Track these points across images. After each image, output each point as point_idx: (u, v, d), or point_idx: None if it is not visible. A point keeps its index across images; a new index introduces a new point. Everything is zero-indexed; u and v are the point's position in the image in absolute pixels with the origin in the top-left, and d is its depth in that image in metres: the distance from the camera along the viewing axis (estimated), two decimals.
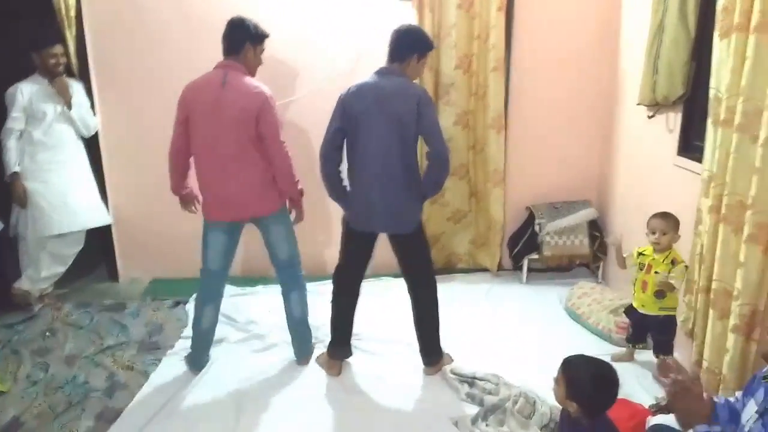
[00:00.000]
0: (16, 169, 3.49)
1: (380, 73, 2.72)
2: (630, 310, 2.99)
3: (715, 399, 1.87)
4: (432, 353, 2.96)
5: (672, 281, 2.72)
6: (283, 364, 3.06)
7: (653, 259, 2.80)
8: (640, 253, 2.88)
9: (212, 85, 2.72)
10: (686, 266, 2.72)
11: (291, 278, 3.00)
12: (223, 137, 2.72)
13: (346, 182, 2.87)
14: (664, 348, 2.86)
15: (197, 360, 3.02)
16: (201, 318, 2.97)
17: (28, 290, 3.67)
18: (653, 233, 2.77)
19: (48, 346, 3.29)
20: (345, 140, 2.76)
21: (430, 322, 2.94)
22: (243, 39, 2.77)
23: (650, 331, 2.93)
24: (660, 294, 2.78)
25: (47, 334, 3.42)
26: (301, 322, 3.05)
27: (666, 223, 2.75)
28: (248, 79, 2.77)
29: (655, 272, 2.78)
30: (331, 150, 2.76)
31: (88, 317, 3.63)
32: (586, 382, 1.91)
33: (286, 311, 3.04)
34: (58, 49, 3.56)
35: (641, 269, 2.86)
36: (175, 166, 2.90)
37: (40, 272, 3.67)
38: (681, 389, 1.79)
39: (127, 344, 3.30)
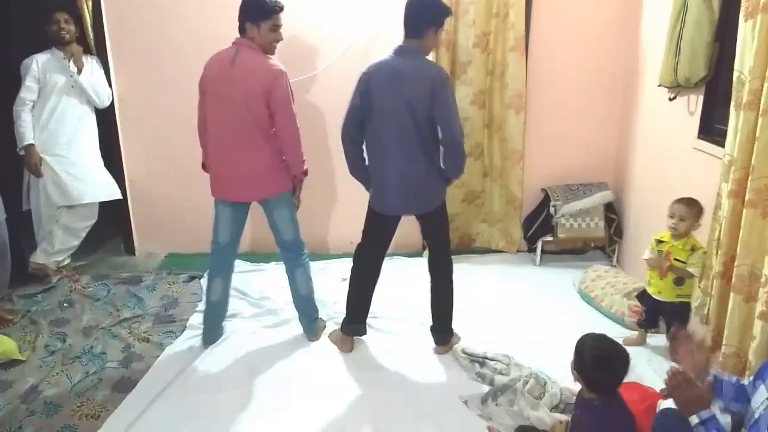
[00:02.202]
0: (31, 141, 3.52)
1: (398, 51, 2.66)
2: (643, 296, 2.97)
3: (724, 377, 1.88)
4: (442, 332, 2.97)
5: (690, 269, 2.70)
6: (295, 340, 3.09)
7: (672, 245, 2.76)
8: (659, 241, 2.84)
9: (223, 63, 2.70)
10: (705, 252, 2.69)
11: (295, 258, 3.02)
12: (230, 117, 2.71)
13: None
14: None
15: (208, 333, 3.05)
16: (210, 290, 3.01)
17: (44, 263, 3.74)
18: (671, 217, 2.74)
19: (66, 316, 3.35)
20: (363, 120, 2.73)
21: (443, 301, 2.95)
22: (242, 18, 2.71)
23: (664, 316, 2.92)
24: (679, 281, 2.76)
25: (65, 305, 3.48)
26: (307, 299, 3.08)
27: (688, 209, 2.70)
28: (259, 57, 2.70)
29: (675, 259, 2.74)
30: (350, 127, 2.75)
31: (105, 289, 3.68)
32: (588, 359, 1.94)
33: (291, 289, 3.06)
34: (60, 15, 3.58)
35: (660, 256, 2.81)
36: (202, 143, 2.94)
37: (54, 245, 3.73)
38: (680, 380, 1.79)
39: (143, 317, 3.35)
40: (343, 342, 3.01)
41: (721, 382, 1.86)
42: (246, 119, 2.70)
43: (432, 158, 2.71)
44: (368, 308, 3.03)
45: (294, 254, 3.02)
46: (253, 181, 2.83)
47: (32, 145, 3.53)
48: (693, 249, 2.72)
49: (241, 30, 2.73)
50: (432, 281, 2.94)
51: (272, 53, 2.79)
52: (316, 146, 3.94)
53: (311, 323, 3.10)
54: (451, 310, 2.97)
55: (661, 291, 2.83)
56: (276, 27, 2.74)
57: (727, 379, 1.88)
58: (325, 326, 3.19)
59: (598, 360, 1.93)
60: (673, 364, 2.69)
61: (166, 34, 3.85)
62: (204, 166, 3.02)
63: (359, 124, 2.74)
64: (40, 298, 3.55)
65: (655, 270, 2.83)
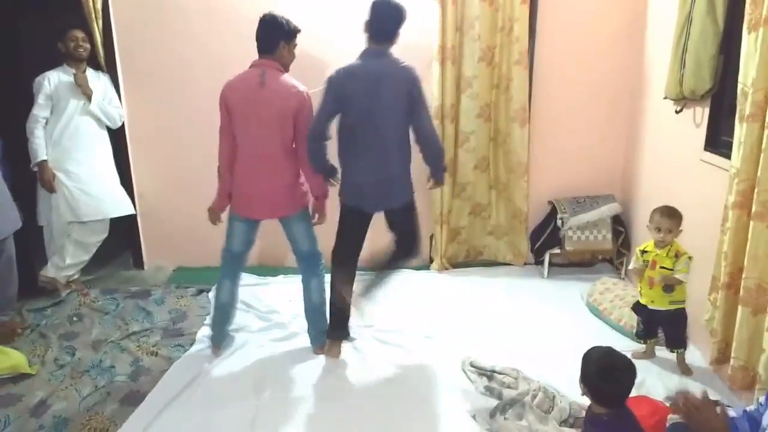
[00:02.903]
0: (44, 157, 3.57)
1: (371, 54, 2.75)
2: (637, 307, 2.97)
3: (732, 413, 1.84)
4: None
5: (678, 275, 2.71)
6: (302, 353, 3.08)
7: (657, 254, 2.78)
8: (642, 251, 2.86)
9: (251, 85, 2.75)
10: (690, 257, 2.71)
11: (311, 268, 3.06)
12: (260, 138, 2.79)
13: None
14: (676, 342, 2.85)
15: (216, 337, 3.09)
16: (220, 292, 3.07)
17: (54, 277, 3.77)
18: (658, 230, 2.75)
19: (75, 330, 3.37)
20: (332, 121, 2.81)
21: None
22: (277, 38, 2.78)
23: (661, 325, 2.92)
24: (668, 288, 2.77)
25: (74, 319, 3.50)
26: (318, 309, 3.09)
27: (672, 221, 2.73)
28: (286, 79, 2.80)
29: (661, 267, 2.76)
30: (321, 129, 2.79)
31: (114, 303, 3.71)
32: (593, 371, 1.93)
33: (304, 298, 3.09)
34: (78, 33, 3.65)
35: (646, 266, 2.84)
36: (225, 177, 2.91)
37: (65, 260, 3.76)
38: (694, 410, 1.77)
39: (151, 330, 3.37)
40: (330, 347, 3.05)
41: (734, 424, 1.81)
42: (274, 139, 2.78)
43: (406, 155, 2.84)
44: (349, 311, 3.07)
45: (310, 264, 3.06)
46: (276, 199, 2.90)
47: (45, 161, 3.58)
48: (677, 255, 2.74)
49: (272, 48, 2.78)
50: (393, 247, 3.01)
51: (288, 71, 2.88)
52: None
53: (320, 335, 3.11)
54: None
55: (654, 300, 2.83)
56: (295, 46, 2.88)
57: (739, 418, 1.83)
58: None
59: (603, 371, 1.93)
60: (684, 379, 2.71)
61: (176, 52, 3.90)
62: (219, 206, 2.99)
63: (328, 125, 2.81)
64: (49, 312, 3.58)
65: (644, 280, 2.85)
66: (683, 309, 2.81)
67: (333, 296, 3.04)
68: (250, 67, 2.81)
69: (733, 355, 2.42)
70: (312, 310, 3.09)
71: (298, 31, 2.85)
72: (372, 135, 2.74)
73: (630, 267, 2.92)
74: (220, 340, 3.09)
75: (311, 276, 3.06)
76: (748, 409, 1.83)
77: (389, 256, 3.03)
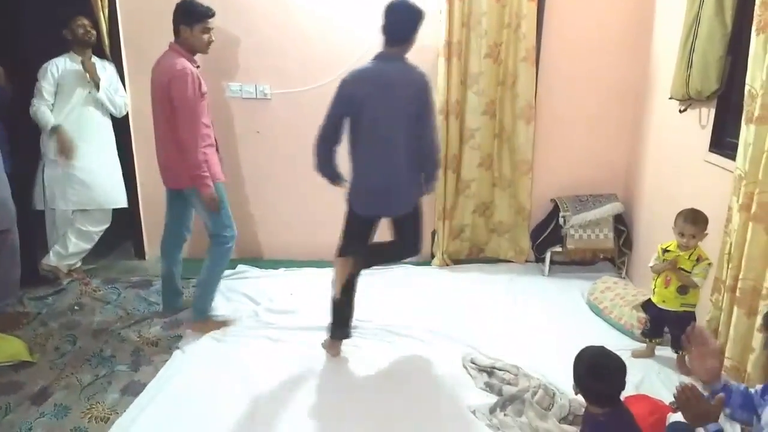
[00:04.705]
0: (54, 123, 3.56)
1: (383, 58, 2.70)
2: (648, 305, 2.97)
3: (733, 384, 1.87)
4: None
5: (695, 279, 2.70)
6: (302, 347, 3.08)
7: (678, 255, 2.76)
8: (665, 250, 2.84)
9: (153, 68, 2.99)
10: (710, 263, 2.69)
11: (212, 246, 3.21)
12: (154, 115, 3.02)
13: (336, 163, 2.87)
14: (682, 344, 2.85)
15: (166, 303, 3.46)
16: (161, 266, 3.41)
17: (56, 266, 3.77)
18: (681, 235, 2.72)
19: (76, 319, 3.38)
20: (344, 125, 2.76)
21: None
22: (177, 22, 2.97)
23: (668, 326, 2.92)
24: (683, 290, 2.77)
25: (75, 308, 3.51)
26: (202, 286, 3.25)
27: (696, 227, 2.69)
28: (172, 58, 2.93)
29: (680, 268, 2.75)
30: (330, 132, 2.75)
31: (115, 293, 3.71)
32: (583, 371, 1.93)
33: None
34: (83, 20, 3.64)
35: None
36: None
37: (68, 248, 3.77)
38: (689, 396, 1.79)
39: (152, 320, 3.37)
40: (331, 345, 3.02)
41: (729, 389, 1.85)
42: (159, 116, 2.98)
43: (413, 161, 2.78)
44: (352, 311, 3.01)
45: (213, 242, 3.20)
46: (169, 169, 3.09)
47: (60, 125, 3.58)
48: (698, 260, 2.72)
49: (175, 33, 2.97)
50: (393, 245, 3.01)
51: (206, 52, 3.06)
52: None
53: (196, 312, 3.26)
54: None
55: (665, 300, 2.83)
56: (207, 29, 3.01)
57: (736, 386, 1.87)
58: (211, 328, 3.22)
59: (591, 369, 1.92)
60: (683, 377, 2.72)
61: None
62: None
63: (338, 130, 2.76)
64: (50, 301, 3.58)
65: (660, 279, 2.84)
66: (693, 312, 2.80)
67: (335, 295, 2.96)
68: None
69: (727, 354, 2.43)
70: (198, 284, 3.28)
71: (204, 15, 2.97)
72: (381, 140, 2.69)
73: (650, 264, 2.89)
74: (169, 305, 3.43)
75: (209, 252, 3.22)
76: (752, 390, 1.85)
77: (387, 251, 3.01)
